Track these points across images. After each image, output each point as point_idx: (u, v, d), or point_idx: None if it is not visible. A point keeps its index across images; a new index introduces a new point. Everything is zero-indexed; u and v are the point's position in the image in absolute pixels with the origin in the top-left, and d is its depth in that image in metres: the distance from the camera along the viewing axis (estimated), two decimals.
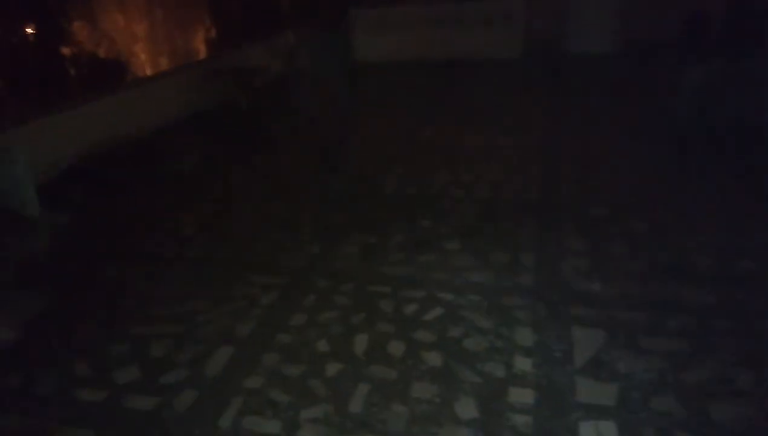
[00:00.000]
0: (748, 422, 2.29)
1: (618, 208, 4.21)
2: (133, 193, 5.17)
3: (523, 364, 2.71)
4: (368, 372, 2.73)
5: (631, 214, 4.11)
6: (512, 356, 2.76)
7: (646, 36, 9.13)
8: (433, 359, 2.79)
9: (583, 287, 3.30)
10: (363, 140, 6.07)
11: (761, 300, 3.06)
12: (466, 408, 2.47)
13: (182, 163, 5.66)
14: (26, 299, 3.50)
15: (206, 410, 2.57)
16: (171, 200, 4.98)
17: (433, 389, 2.59)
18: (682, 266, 3.43)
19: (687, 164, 4.93)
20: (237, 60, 8.52)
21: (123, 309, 3.40)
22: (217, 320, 3.22)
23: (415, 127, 6.63)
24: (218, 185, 5.31)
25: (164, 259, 3.96)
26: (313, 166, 5.46)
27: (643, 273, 3.39)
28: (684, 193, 4.40)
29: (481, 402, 2.49)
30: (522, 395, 2.52)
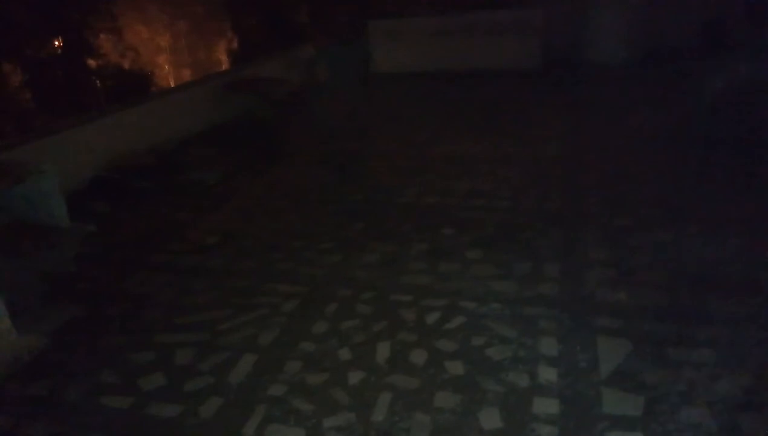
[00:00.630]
0: None
1: (643, 218, 4.16)
2: (156, 203, 5.25)
3: (547, 374, 2.68)
4: (390, 381, 2.72)
5: (656, 224, 4.06)
6: (536, 366, 2.74)
7: (664, 43, 9.07)
8: (456, 368, 2.77)
9: (608, 297, 3.26)
10: (381, 150, 6.10)
11: None
12: (490, 418, 2.45)
13: (204, 174, 5.75)
14: (54, 308, 3.57)
15: (231, 417, 2.59)
16: (194, 211, 5.05)
17: (456, 398, 2.58)
18: (710, 276, 3.38)
19: (712, 173, 4.86)
20: (257, 72, 8.64)
21: (148, 318, 3.44)
22: (240, 328, 3.24)
23: (433, 137, 6.64)
24: (239, 196, 5.36)
25: (187, 268, 4.01)
26: (332, 176, 5.50)
27: (669, 284, 3.33)
28: (710, 202, 4.33)
29: (505, 412, 2.47)
30: (547, 406, 2.49)
